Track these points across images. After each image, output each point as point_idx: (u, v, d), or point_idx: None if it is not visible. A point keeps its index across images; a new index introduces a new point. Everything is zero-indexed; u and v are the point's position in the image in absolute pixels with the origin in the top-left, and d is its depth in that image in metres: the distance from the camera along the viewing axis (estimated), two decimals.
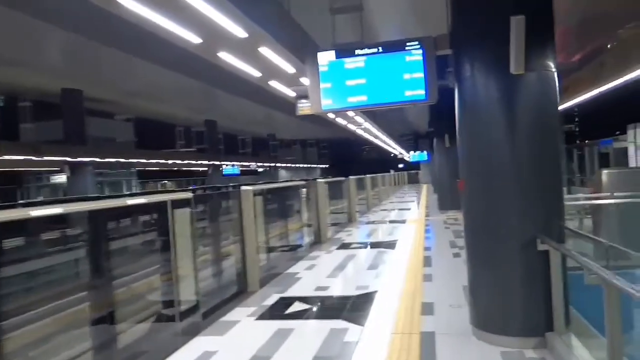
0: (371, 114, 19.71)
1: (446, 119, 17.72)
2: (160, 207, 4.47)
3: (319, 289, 6.57)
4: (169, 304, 4.54)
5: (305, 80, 6.52)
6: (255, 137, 41.55)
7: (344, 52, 4.50)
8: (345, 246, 10.27)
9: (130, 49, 15.42)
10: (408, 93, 4.40)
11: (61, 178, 21.51)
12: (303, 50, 7.69)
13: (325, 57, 4.53)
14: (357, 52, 4.47)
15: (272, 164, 41.93)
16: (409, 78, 4.39)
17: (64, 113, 19.40)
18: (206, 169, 31.66)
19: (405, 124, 37.76)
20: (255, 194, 6.89)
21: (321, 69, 4.53)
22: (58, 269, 4.65)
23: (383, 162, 54.70)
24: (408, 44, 4.39)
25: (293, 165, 47.66)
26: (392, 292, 6.12)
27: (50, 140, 19.54)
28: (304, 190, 10.47)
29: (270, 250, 8.02)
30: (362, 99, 4.47)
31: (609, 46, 14.51)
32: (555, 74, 4.15)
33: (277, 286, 6.86)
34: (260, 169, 46.46)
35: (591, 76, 14.65)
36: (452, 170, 16.10)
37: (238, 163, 33.14)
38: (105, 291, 3.84)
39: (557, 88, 4.17)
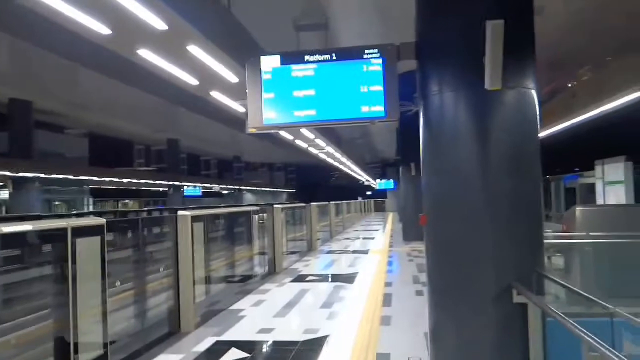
0: (336, 138, 19.11)
1: (413, 147, 17.42)
2: (55, 236, 3.60)
3: (262, 331, 5.74)
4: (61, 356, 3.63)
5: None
6: (220, 159, 40.48)
7: (292, 57, 3.80)
8: (300, 278, 9.46)
9: (85, 61, 14.49)
10: (364, 109, 3.71)
11: (4, 194, 20.04)
12: (243, 53, 6.84)
13: (269, 62, 3.82)
14: (307, 58, 3.78)
15: (237, 187, 40.84)
16: (365, 91, 3.71)
17: (10, 124, 18.12)
18: (166, 189, 30.41)
19: (373, 152, 37.50)
20: (195, 219, 6.05)
21: (264, 76, 3.82)
22: None
23: (351, 189, 54.27)
24: (367, 51, 3.72)
25: (259, 188, 46.65)
26: (344, 339, 5.33)
27: None
28: (258, 216, 9.66)
29: (213, 282, 7.15)
30: (310, 113, 3.76)
31: (569, 85, 14.45)
32: (536, 94, 3.54)
33: (215, 326, 6.00)
34: (225, 192, 45.29)
35: (559, 108, 14.46)
36: (417, 200, 15.55)
37: (200, 184, 31.98)
38: None
39: (538, 110, 3.56)
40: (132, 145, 27.50)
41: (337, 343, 5.19)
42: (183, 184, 29.29)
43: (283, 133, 12.95)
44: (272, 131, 3.82)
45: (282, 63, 3.83)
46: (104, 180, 22.82)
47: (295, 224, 13.72)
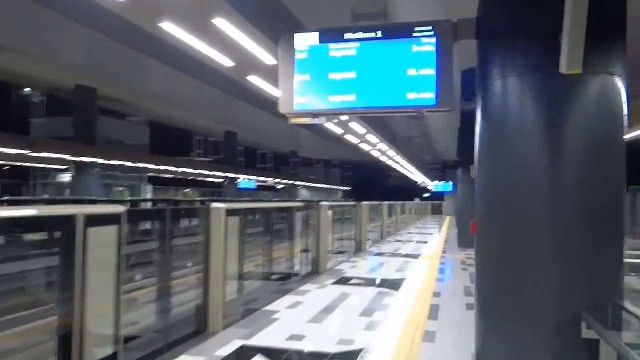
0: (389, 135, 18.40)
1: (473, 146, 16.47)
2: (63, 224, 3.31)
3: (293, 337, 5.31)
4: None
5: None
6: (276, 153, 40.58)
7: (330, 34, 3.33)
8: (343, 281, 8.97)
9: (150, 52, 14.71)
10: (411, 96, 3.17)
11: (67, 177, 20.77)
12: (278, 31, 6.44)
13: (305, 40, 3.36)
14: (348, 35, 3.29)
15: (292, 182, 40.81)
16: (414, 75, 3.17)
17: (75, 110, 18.69)
18: (222, 180, 30.73)
19: (432, 152, 36.39)
20: (230, 213, 5.70)
21: (297, 55, 3.36)
22: None
23: (408, 190, 53.13)
24: (417, 29, 3.18)
25: (314, 185, 46.48)
26: (379, 354, 4.81)
27: (59, 137, 18.79)
28: (303, 212, 9.24)
29: (248, 280, 6.81)
30: (349, 98, 3.27)
31: None
32: (624, 83, 2.89)
33: (245, 327, 5.63)
34: (280, 186, 45.44)
35: None
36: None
37: (255, 177, 32.11)
38: None
39: (626, 103, 2.90)
40: (191, 135, 27.92)
41: (372, 358, 4.67)
42: (238, 175, 29.46)
43: (330, 125, 12.43)
44: (305, 119, 3.36)
45: (320, 41, 3.36)
46: (161, 169, 23.23)
47: (344, 223, 13.22)
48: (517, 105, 2.97)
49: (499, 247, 3.07)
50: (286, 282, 8.34)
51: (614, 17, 2.82)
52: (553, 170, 2.83)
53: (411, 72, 3.20)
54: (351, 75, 3.30)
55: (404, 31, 3.23)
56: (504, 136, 3.01)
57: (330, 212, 10.83)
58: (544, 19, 2.76)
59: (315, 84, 3.35)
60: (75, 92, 18.65)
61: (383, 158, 24.73)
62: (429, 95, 3.17)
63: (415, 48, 3.20)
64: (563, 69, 2.61)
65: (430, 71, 3.17)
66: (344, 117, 8.80)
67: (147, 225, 6.63)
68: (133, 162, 19.35)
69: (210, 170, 26.83)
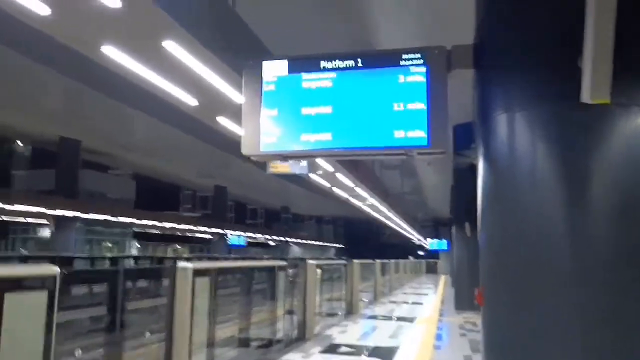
0: (381, 190, 17.89)
1: (467, 205, 15.92)
2: None
3: None
4: None
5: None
6: (268, 209, 39.99)
7: (303, 63, 2.84)
8: (332, 349, 8.14)
9: (135, 104, 14.43)
10: (399, 134, 2.64)
11: (47, 232, 20.01)
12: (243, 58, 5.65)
13: (273, 69, 2.87)
14: (324, 64, 2.81)
15: (284, 238, 39.99)
16: (401, 109, 2.66)
17: (58, 162, 18.23)
18: (210, 236, 29.93)
19: (425, 209, 35.96)
20: (199, 274, 5.02)
21: (265, 87, 2.86)
22: None
23: (402, 248, 52.27)
24: (405, 56, 2.70)
25: (306, 242, 45.62)
26: None
27: (41, 190, 18.26)
28: (286, 272, 8.52)
29: (220, 349, 6.02)
30: (324, 137, 2.74)
31: None
32: None
33: None
34: (272, 243, 44.53)
35: None
36: (471, 264, 14.15)
37: (244, 234, 31.34)
38: None
39: None
40: (179, 189, 27.41)
41: None
42: (226, 231, 28.71)
43: (316, 177, 11.90)
44: (283, 167, 2.81)
45: (290, 70, 2.86)
46: (147, 224, 22.53)
47: (334, 283, 12.43)
48: (526, 145, 2.44)
49: (509, 312, 2.45)
50: (268, 349, 7.52)
51: None
52: (575, 221, 2.26)
53: (398, 106, 2.68)
54: (327, 110, 2.78)
55: (389, 59, 2.74)
56: (512, 184, 2.45)
57: (318, 271, 10.11)
58: (557, 39, 2.27)
59: (285, 120, 2.83)
60: (59, 144, 18.25)
61: (375, 214, 24.19)
62: (419, 134, 2.63)
63: (402, 78, 2.70)
64: (586, 97, 2.09)
65: (420, 105, 2.65)
66: (321, 161, 8.17)
67: (103, 287, 5.95)
68: (114, 216, 18.67)
69: (197, 226, 26.10)
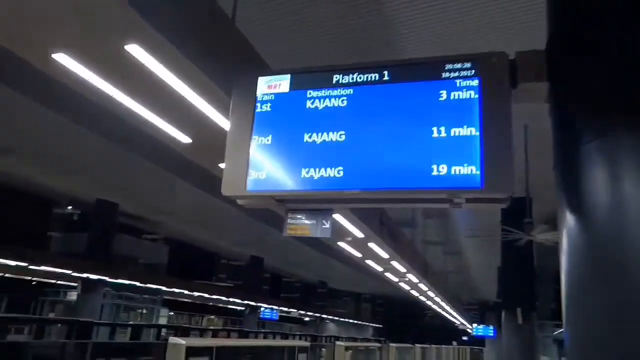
0: (422, 267, 16.57)
1: (518, 287, 14.48)
2: None
3: None
4: None
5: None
6: (304, 282, 38.59)
7: (309, 77, 2.14)
8: None
9: (173, 169, 14.23)
10: (439, 170, 1.85)
11: (72, 296, 19.52)
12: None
13: (271, 86, 2.17)
14: (337, 78, 2.10)
15: (319, 314, 38.18)
16: (442, 137, 1.88)
17: (93, 225, 18.01)
18: (243, 308, 28.77)
19: (471, 291, 33.91)
20: (193, 353, 4.17)
21: (259, 107, 2.15)
22: None
23: (445, 331, 49.18)
24: (449, 66, 1.95)
25: (343, 319, 43.48)
26: None
27: (72, 253, 17.94)
28: (308, 353, 7.46)
29: None
30: (332, 173, 1.97)
31: None
32: None
33: None
34: (307, 319, 42.67)
35: None
36: (523, 354, 12.66)
37: (278, 308, 29.98)
38: None
39: None
40: (214, 258, 26.81)
41: None
42: (259, 304, 27.54)
43: (345, 246, 10.85)
44: (262, 206, 2.06)
45: (293, 87, 2.14)
46: (176, 291, 21.77)
47: None
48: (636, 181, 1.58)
49: None
50: None
51: None
52: None
53: (438, 132, 1.90)
54: (338, 137, 2.02)
55: (427, 70, 2.00)
56: (620, 248, 1.57)
57: (348, 354, 8.96)
58: None
59: (281, 149, 2.08)
60: (96, 207, 18.12)
61: (414, 292, 22.59)
62: (469, 170, 1.82)
63: (444, 95, 1.94)
64: None
65: (470, 130, 1.86)
66: (348, 223, 7.09)
67: None
68: (143, 282, 18.05)
69: (228, 297, 25.10)
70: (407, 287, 20.59)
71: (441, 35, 5.37)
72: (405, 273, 14.93)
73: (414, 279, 16.63)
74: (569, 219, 1.77)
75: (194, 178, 14.76)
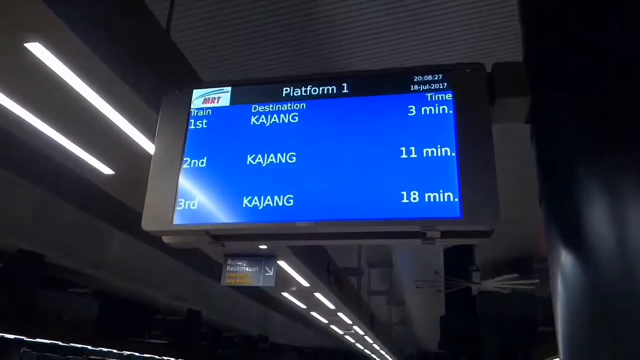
0: (367, 319, 16.13)
1: (462, 336, 14.28)
2: None
3: None
4: None
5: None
6: (245, 337, 36.98)
7: (254, 90, 1.81)
8: None
9: (106, 216, 13.27)
10: (409, 197, 1.54)
11: None
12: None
13: (208, 99, 1.82)
14: (287, 91, 1.78)
15: None
16: (412, 157, 1.59)
17: (13, 279, 16.47)
18: None
19: (413, 341, 33.61)
20: None
21: (192, 124, 1.79)
22: None
23: None
24: (417, 78, 1.69)
25: None
26: None
27: None
28: None
29: None
30: (280, 202, 1.61)
31: None
32: None
33: None
34: None
35: None
36: None
37: None
38: None
39: None
40: (147, 312, 25.17)
41: None
42: None
43: (290, 297, 10.27)
44: (192, 245, 1.65)
45: (234, 100, 1.81)
46: (104, 350, 20.06)
47: None
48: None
49: None
50: None
51: None
52: None
53: (408, 152, 1.60)
54: (288, 158, 1.68)
55: (393, 82, 1.72)
56: (629, 292, 1.29)
57: None
58: None
59: (218, 174, 1.71)
60: (18, 258, 16.66)
61: (359, 345, 21.98)
62: (445, 196, 1.52)
63: (413, 110, 1.66)
64: None
65: (446, 151, 1.57)
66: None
67: None
68: (63, 341, 16.51)
69: (161, 356, 23.40)
70: (352, 340, 19.99)
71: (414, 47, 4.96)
72: (351, 325, 14.43)
73: (360, 331, 16.12)
74: (564, 260, 1.49)
75: (125, 224, 13.87)
